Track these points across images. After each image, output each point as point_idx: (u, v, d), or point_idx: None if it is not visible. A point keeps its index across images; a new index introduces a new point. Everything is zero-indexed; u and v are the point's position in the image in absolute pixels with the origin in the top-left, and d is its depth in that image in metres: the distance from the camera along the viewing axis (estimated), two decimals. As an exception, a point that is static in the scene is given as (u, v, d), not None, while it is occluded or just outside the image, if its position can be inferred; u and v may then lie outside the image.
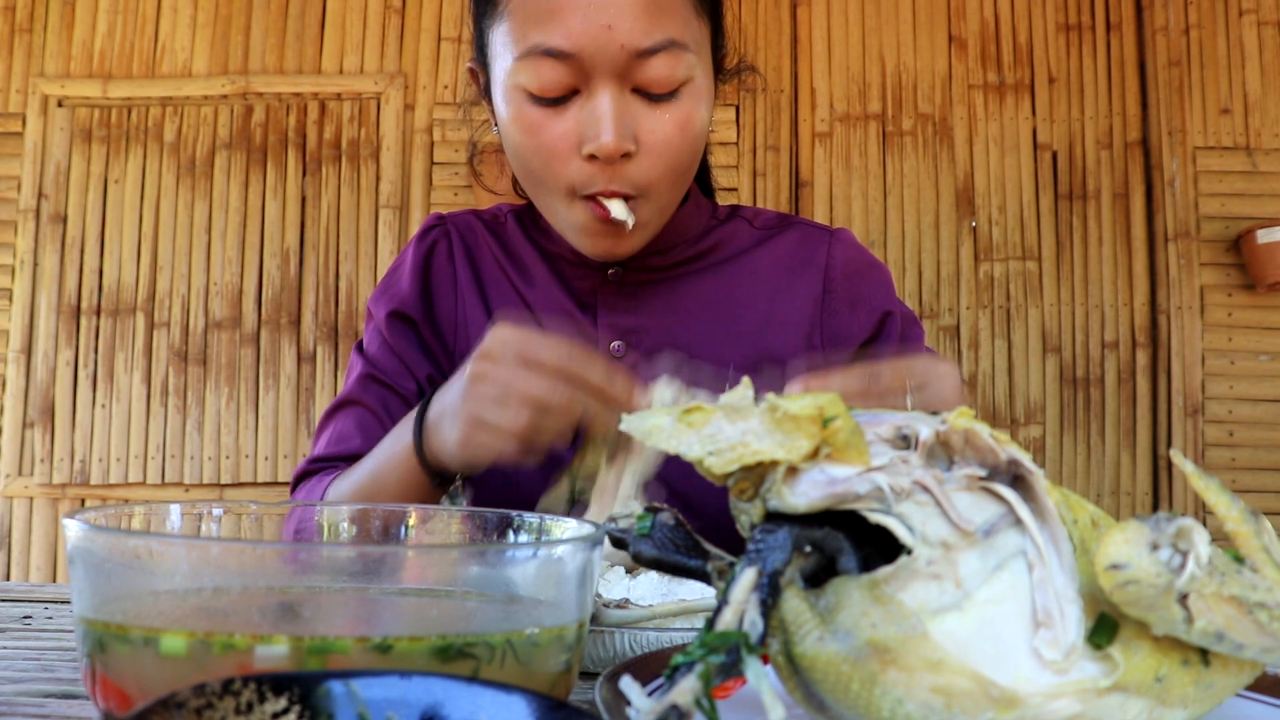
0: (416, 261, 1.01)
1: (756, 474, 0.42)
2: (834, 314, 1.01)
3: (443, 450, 0.79)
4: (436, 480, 0.82)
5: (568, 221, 0.89)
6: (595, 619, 0.60)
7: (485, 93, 0.95)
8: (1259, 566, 0.40)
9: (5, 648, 0.63)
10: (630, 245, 0.89)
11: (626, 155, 0.83)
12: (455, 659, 0.39)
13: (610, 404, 0.72)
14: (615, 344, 0.97)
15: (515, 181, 1.12)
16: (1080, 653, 0.38)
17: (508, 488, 1.00)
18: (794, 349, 0.98)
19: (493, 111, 0.93)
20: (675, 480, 0.99)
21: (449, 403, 0.78)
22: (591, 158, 0.83)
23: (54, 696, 0.52)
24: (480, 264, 1.02)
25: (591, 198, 0.85)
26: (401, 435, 0.84)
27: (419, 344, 1.00)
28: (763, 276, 1.01)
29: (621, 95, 0.83)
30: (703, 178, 1.07)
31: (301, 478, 0.99)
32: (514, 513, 0.56)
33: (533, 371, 0.73)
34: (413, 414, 0.83)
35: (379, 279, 2.91)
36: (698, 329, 0.98)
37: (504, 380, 0.73)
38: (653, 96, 0.84)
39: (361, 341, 1.04)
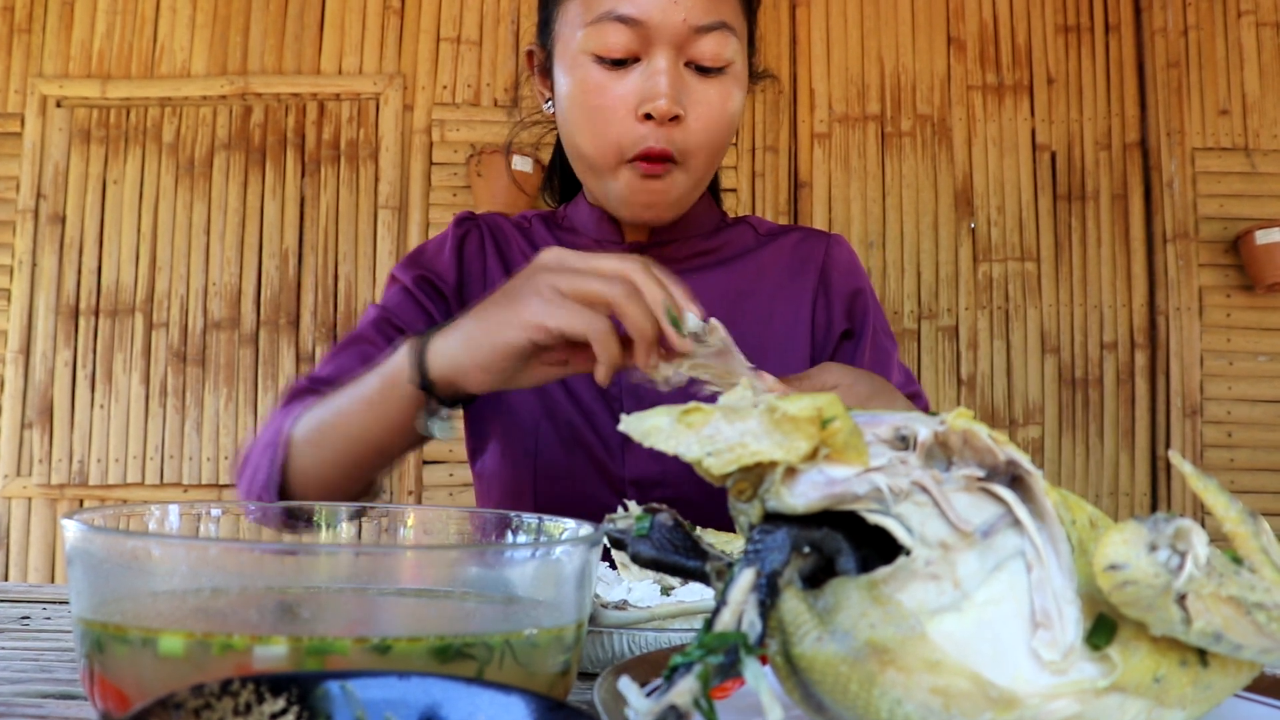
0: (454, 243, 1.06)
1: (755, 475, 0.42)
2: (824, 310, 1.08)
3: (459, 362, 0.74)
4: (427, 404, 0.77)
5: (613, 185, 0.95)
6: (594, 620, 0.60)
7: (542, 70, 1.03)
8: (1257, 567, 0.40)
9: (3, 648, 0.63)
10: (667, 206, 0.96)
11: (676, 119, 0.91)
12: (454, 660, 0.39)
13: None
14: None
15: (547, 177, 1.15)
16: (1078, 653, 0.38)
17: (503, 415, 1.01)
18: (798, 339, 1.05)
19: (549, 87, 1.01)
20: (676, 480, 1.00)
21: (480, 314, 0.75)
22: (645, 118, 0.91)
23: (52, 697, 0.52)
24: (510, 259, 1.07)
25: (637, 160, 0.92)
26: (392, 358, 0.80)
27: (445, 310, 1.03)
28: (766, 274, 1.08)
29: (677, 65, 0.91)
30: (711, 186, 1.12)
31: (293, 394, 0.96)
32: (512, 513, 0.56)
33: (591, 275, 0.71)
34: (407, 340, 0.79)
35: (378, 279, 2.93)
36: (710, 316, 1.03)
37: (560, 283, 0.70)
38: (702, 70, 0.92)
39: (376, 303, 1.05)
